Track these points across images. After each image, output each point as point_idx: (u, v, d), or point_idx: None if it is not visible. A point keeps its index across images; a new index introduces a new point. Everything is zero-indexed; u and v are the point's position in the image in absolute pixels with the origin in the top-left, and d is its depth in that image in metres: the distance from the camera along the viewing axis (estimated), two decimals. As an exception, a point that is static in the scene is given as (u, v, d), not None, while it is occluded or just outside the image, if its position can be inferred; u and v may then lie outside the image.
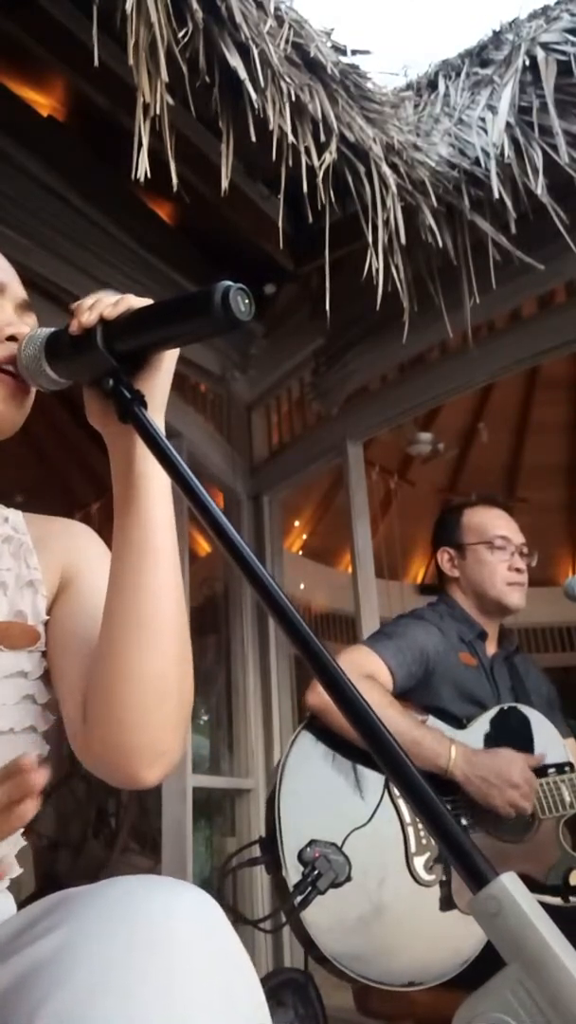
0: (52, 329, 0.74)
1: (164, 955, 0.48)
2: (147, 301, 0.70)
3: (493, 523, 1.83)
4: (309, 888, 1.31)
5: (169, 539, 0.74)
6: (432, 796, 0.45)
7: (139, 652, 0.70)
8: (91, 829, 4.51)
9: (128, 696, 0.70)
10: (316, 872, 1.33)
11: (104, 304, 0.69)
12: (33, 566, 0.82)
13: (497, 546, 1.78)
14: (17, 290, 0.85)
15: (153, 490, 0.73)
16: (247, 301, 0.62)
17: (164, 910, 0.51)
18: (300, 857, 1.36)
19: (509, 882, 0.40)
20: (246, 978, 0.52)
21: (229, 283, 0.61)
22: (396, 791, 1.49)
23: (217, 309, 0.61)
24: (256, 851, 1.48)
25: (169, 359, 0.74)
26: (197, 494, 0.58)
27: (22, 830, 0.78)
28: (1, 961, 0.52)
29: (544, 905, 0.40)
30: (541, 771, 1.57)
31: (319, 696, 1.51)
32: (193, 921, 0.51)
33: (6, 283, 0.84)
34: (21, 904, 0.78)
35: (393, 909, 1.39)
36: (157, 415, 0.70)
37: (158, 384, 0.72)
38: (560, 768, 1.59)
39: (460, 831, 0.43)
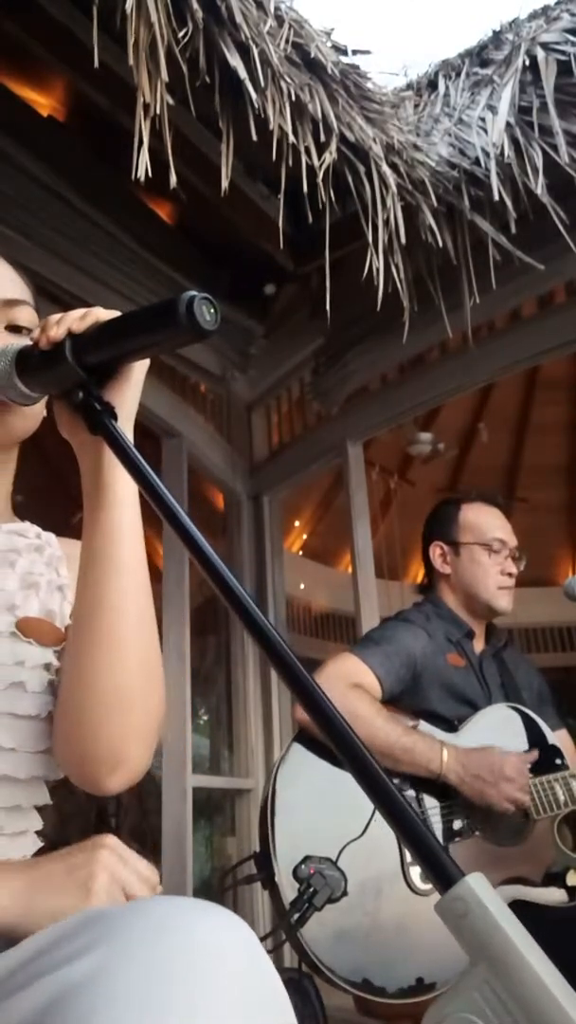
0: (22, 343, 0.75)
1: (208, 980, 0.48)
2: (115, 313, 0.71)
3: (490, 524, 1.81)
4: (306, 905, 1.30)
5: (134, 550, 0.75)
6: (398, 798, 0.45)
7: (95, 663, 0.73)
8: (91, 829, 4.51)
9: (84, 706, 0.73)
10: (312, 889, 1.32)
11: (72, 318, 0.71)
12: (63, 574, 0.86)
13: (494, 549, 1.77)
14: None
15: (119, 501, 0.74)
16: (212, 311, 0.63)
17: (206, 934, 0.51)
18: (295, 874, 1.35)
19: (475, 883, 0.41)
20: (281, 1004, 0.53)
21: (193, 293, 0.62)
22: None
23: (182, 319, 0.62)
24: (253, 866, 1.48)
25: (138, 370, 0.75)
26: (166, 503, 0.59)
27: (38, 829, 0.81)
28: (35, 979, 0.51)
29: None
30: (543, 767, 1.57)
31: None
32: (233, 945, 0.51)
33: None
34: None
35: (391, 920, 1.40)
36: (127, 426, 0.72)
37: (127, 395, 0.74)
38: (562, 763, 1.59)
39: (427, 833, 0.44)
